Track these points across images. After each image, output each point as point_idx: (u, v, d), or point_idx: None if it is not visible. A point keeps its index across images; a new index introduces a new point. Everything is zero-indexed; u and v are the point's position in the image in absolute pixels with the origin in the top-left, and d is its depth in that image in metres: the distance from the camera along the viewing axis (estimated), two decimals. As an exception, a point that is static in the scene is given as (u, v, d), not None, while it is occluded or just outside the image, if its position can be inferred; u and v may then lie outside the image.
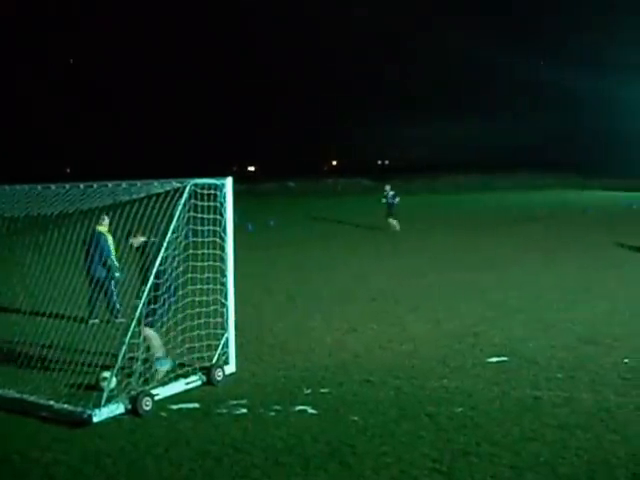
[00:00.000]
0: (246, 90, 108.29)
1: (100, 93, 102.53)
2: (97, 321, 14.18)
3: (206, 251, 11.13)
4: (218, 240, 11.04)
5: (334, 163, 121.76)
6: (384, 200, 32.70)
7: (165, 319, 10.56)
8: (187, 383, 10.46)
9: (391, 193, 32.34)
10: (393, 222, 32.26)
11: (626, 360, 11.36)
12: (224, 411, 9.56)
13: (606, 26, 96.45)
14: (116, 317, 14.36)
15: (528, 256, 24.09)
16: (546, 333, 13.25)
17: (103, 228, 14.67)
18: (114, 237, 14.51)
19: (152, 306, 10.07)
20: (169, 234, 10.31)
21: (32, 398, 9.73)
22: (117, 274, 14.45)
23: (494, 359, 11.64)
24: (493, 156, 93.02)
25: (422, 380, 10.63)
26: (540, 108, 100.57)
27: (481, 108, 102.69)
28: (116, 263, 14.51)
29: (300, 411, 9.48)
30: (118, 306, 14.56)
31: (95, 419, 9.04)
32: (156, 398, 9.73)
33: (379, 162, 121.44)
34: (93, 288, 14.69)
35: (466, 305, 15.95)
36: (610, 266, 21.29)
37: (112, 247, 14.57)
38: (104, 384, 9.60)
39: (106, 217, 14.61)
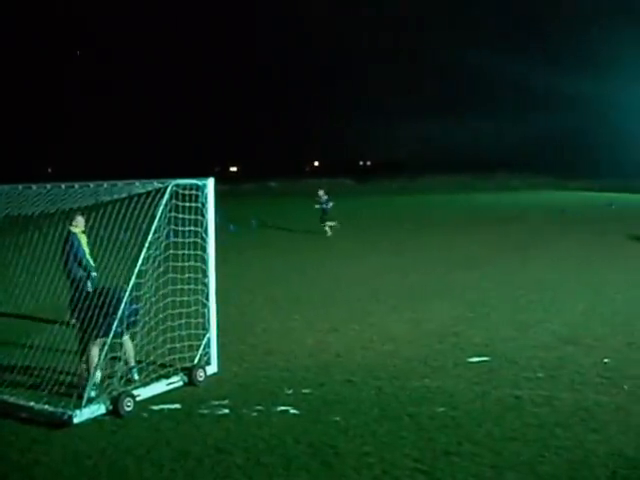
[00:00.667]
0: (229, 91, 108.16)
1: (83, 93, 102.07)
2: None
3: (187, 252, 11.10)
4: (200, 241, 11.03)
5: (316, 164, 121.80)
6: (317, 206, 32.55)
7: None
8: (169, 384, 10.43)
9: (324, 198, 32.22)
10: (328, 226, 32.08)
11: (606, 360, 11.44)
12: (206, 412, 9.54)
13: (586, 28, 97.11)
14: None
15: (507, 256, 24.22)
16: (526, 333, 13.32)
17: (77, 229, 14.49)
18: (89, 238, 14.41)
19: (133, 306, 10.03)
20: (150, 234, 10.30)
21: (12, 399, 9.68)
22: (94, 274, 14.27)
23: (475, 359, 11.68)
24: (473, 157, 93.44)
25: (403, 380, 10.65)
26: (521, 110, 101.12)
27: (463, 110, 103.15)
28: (92, 262, 14.34)
29: (282, 411, 9.48)
30: None
31: (76, 420, 9.00)
32: (137, 399, 9.70)
33: (361, 162, 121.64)
34: (74, 289, 14.48)
35: (447, 305, 16.00)
36: (588, 265, 21.43)
37: (86, 247, 14.40)
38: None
39: (80, 217, 14.43)
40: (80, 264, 14.30)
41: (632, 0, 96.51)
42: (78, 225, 14.47)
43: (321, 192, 32.43)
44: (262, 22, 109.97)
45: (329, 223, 31.95)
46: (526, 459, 7.80)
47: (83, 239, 14.34)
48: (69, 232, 14.33)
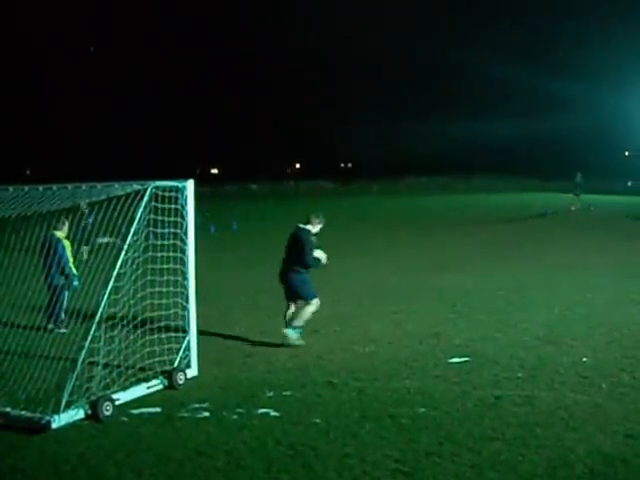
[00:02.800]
0: (210, 93, 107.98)
1: (62, 94, 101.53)
2: (63, 331, 13.50)
3: (167, 254, 11.04)
4: (179, 243, 10.99)
5: (297, 166, 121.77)
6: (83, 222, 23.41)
7: None
8: (148, 387, 10.37)
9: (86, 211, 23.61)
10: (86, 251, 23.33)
11: (585, 359, 11.51)
12: (186, 415, 9.50)
13: (572, 29, 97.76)
14: (59, 327, 13.81)
15: (485, 257, 24.35)
16: (506, 333, 13.37)
17: (61, 234, 14.28)
18: (72, 240, 14.31)
19: (112, 309, 9.98)
20: (129, 237, 10.25)
21: (-11, 405, 9.58)
22: (75, 283, 14.08)
23: (455, 359, 11.71)
24: (455, 159, 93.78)
25: (384, 381, 10.66)
26: (502, 112, 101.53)
27: (444, 111, 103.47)
28: (74, 271, 14.18)
29: (262, 414, 9.45)
30: (63, 316, 14.09)
31: (54, 425, 8.91)
32: (117, 403, 9.63)
33: (342, 164, 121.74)
34: (51, 295, 14.28)
35: (427, 306, 16.05)
36: (568, 267, 21.55)
37: (70, 254, 14.23)
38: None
39: (66, 221, 14.25)
40: (63, 272, 14.11)
41: (621, 2, 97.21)
42: (63, 230, 14.25)
43: (83, 204, 21.49)
44: (244, 25, 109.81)
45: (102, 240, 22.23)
46: (506, 458, 7.81)
47: (68, 246, 14.16)
48: (52, 236, 14.09)
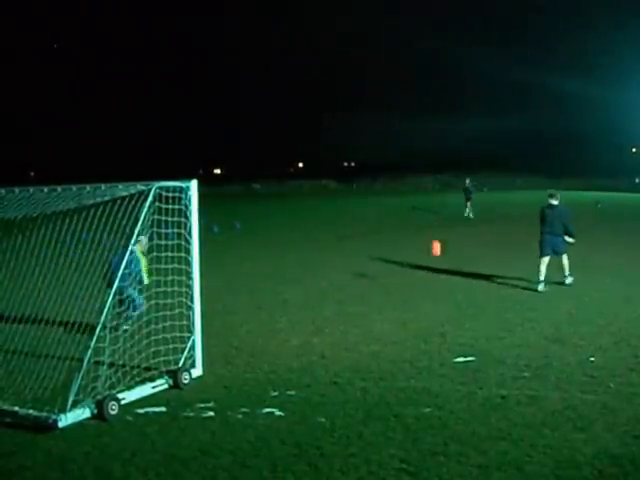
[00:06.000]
0: (212, 93, 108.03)
1: (66, 96, 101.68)
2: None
3: (171, 254, 11.05)
4: (183, 243, 10.98)
5: (300, 165, 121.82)
6: None
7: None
8: (153, 387, 10.37)
9: None
10: None
11: (592, 358, 11.47)
12: (191, 414, 9.49)
13: (577, 26, 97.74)
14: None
15: (492, 255, 24.27)
16: (512, 332, 13.34)
17: (139, 248, 13.49)
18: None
19: (117, 310, 9.98)
20: (134, 237, 10.26)
21: (-4, 404, 9.60)
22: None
23: (461, 359, 11.69)
24: (459, 157, 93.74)
25: (389, 381, 10.64)
26: (508, 110, 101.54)
27: (449, 109, 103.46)
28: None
29: (267, 413, 9.44)
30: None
31: (60, 424, 8.94)
32: (122, 402, 9.64)
33: (345, 164, 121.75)
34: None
35: (432, 305, 16.01)
36: (575, 265, 21.47)
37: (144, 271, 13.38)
38: None
39: (143, 237, 13.12)
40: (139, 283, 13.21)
41: (621, 2, 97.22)
42: (142, 244, 13.22)
43: None
44: (245, 25, 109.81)
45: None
46: (513, 458, 7.79)
47: (143, 260, 13.35)
48: (132, 251, 12.96)
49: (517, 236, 30.43)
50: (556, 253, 17.92)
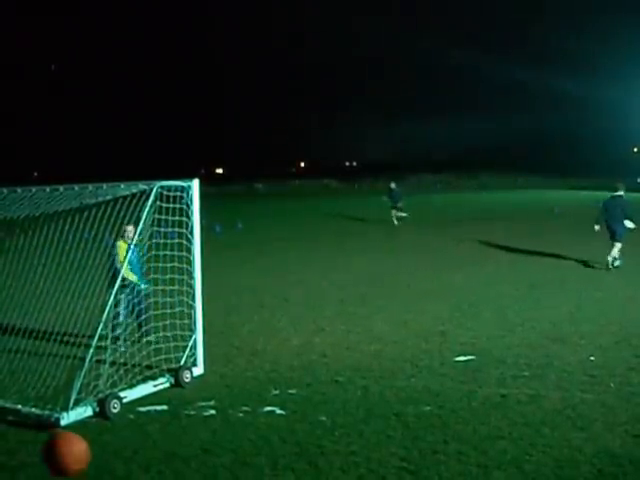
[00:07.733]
0: (214, 93, 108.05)
1: (68, 96, 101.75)
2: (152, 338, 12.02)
3: (172, 253, 11.07)
4: (185, 242, 11.01)
5: (302, 165, 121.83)
6: None
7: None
8: (155, 385, 10.41)
9: None
10: None
11: (592, 358, 11.49)
12: (192, 413, 9.53)
13: (575, 28, 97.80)
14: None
15: (493, 255, 24.28)
16: (512, 332, 13.35)
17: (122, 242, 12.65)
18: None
19: (117, 309, 10.01)
20: (136, 236, 10.30)
21: (-2, 402, 9.64)
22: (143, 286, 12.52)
23: (461, 358, 11.71)
24: (460, 156, 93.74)
25: (390, 380, 10.67)
26: (508, 109, 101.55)
27: (449, 109, 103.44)
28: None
29: (268, 412, 9.47)
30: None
31: (63, 422, 8.98)
32: (124, 400, 9.67)
33: (347, 163, 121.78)
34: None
35: (433, 305, 16.02)
36: (575, 264, 21.51)
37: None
38: None
39: (130, 227, 12.09)
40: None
41: (620, 2, 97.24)
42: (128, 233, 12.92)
43: None
44: (246, 25, 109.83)
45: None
46: (512, 457, 7.81)
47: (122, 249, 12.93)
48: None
49: (515, 236, 30.45)
50: (613, 239, 20.29)
